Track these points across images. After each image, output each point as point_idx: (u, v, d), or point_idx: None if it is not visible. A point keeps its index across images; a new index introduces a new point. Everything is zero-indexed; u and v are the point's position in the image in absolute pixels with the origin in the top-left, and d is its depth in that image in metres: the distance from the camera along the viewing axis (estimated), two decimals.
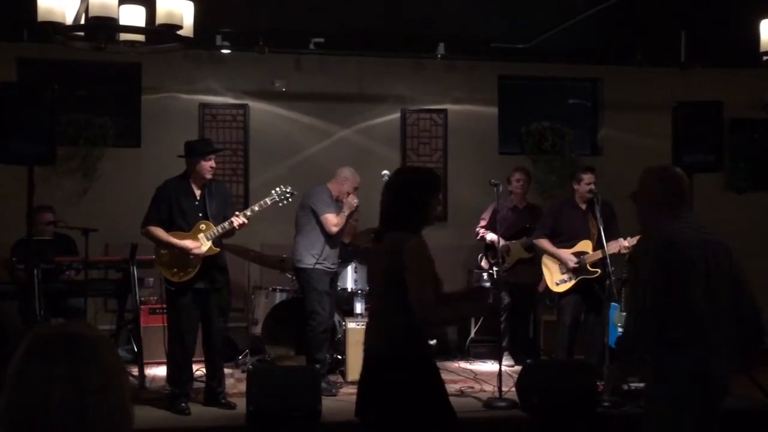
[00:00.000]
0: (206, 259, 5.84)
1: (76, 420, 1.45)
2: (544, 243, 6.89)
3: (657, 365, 3.38)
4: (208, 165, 5.88)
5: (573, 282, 6.73)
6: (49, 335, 1.51)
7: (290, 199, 6.20)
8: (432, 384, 3.51)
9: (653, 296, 3.27)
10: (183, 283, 5.84)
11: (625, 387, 6.24)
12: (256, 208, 6.07)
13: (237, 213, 5.90)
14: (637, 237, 6.46)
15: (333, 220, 6.59)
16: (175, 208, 5.88)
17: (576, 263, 6.68)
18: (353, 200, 6.63)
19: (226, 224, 5.84)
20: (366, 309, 7.11)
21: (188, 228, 5.87)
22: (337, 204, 6.73)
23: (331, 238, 6.61)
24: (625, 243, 6.51)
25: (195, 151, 5.95)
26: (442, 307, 3.51)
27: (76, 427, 1.45)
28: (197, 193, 5.95)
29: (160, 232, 5.85)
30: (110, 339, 1.70)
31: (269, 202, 6.09)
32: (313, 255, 6.60)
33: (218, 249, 5.91)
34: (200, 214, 5.91)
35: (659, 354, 3.34)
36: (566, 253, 6.74)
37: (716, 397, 3.38)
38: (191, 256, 5.80)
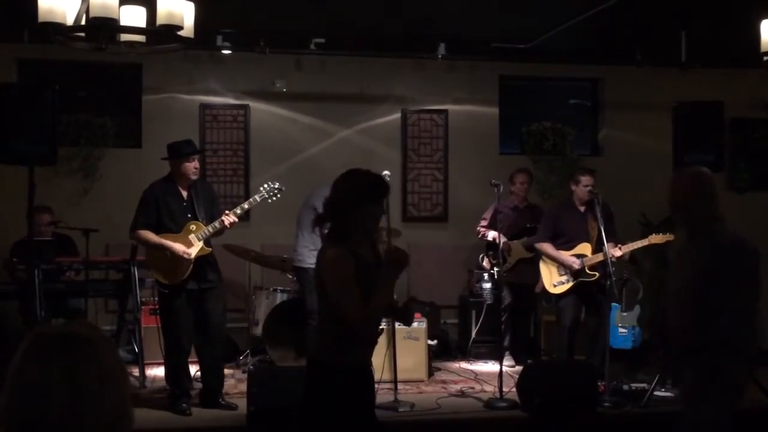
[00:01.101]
0: (197, 259, 5.82)
1: (74, 421, 1.44)
2: (546, 247, 6.86)
3: (715, 366, 3.46)
4: (191, 166, 5.87)
5: (571, 284, 6.72)
6: (49, 335, 1.51)
7: (279, 195, 6.18)
8: (359, 395, 3.47)
9: (732, 300, 3.40)
10: (176, 285, 5.82)
11: (626, 387, 6.25)
12: (246, 206, 6.07)
13: (227, 212, 5.88)
14: (637, 242, 6.53)
15: None
16: (163, 210, 5.86)
17: (580, 266, 6.65)
18: None
19: (216, 224, 5.83)
20: None
21: (177, 229, 5.85)
22: None
23: None
24: (617, 253, 6.49)
25: (177, 152, 5.91)
26: (369, 305, 3.34)
27: (75, 428, 1.44)
28: (184, 194, 5.93)
29: (150, 236, 5.82)
30: (111, 340, 1.69)
31: (258, 199, 6.09)
32: (314, 255, 6.59)
33: (210, 249, 5.91)
34: (189, 215, 5.89)
35: (718, 356, 3.44)
36: (569, 257, 6.70)
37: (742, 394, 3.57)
38: (185, 261, 5.78)
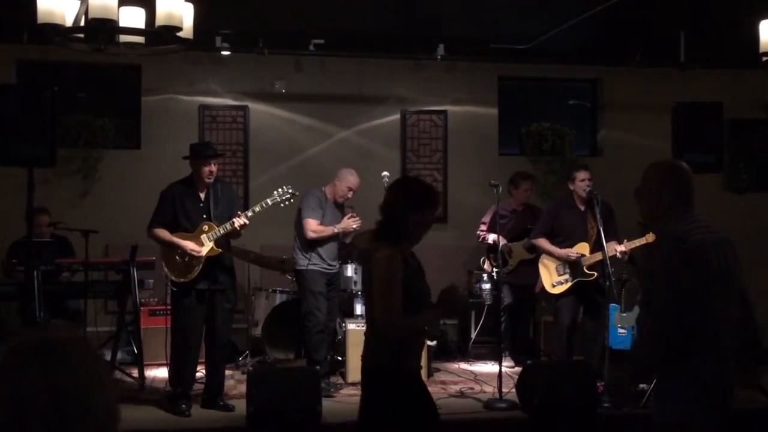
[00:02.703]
0: (209, 259, 5.86)
1: (58, 426, 1.42)
2: (542, 242, 6.86)
3: (666, 375, 3.30)
4: (207, 170, 5.90)
5: (570, 284, 6.71)
6: (22, 345, 1.48)
7: (292, 200, 6.23)
8: (407, 398, 3.49)
9: (668, 304, 3.14)
10: (186, 284, 5.86)
11: None
12: (258, 209, 6.09)
13: (239, 213, 5.92)
14: (636, 240, 6.52)
15: (311, 226, 6.59)
16: (179, 210, 5.93)
17: (577, 255, 6.63)
18: (352, 224, 6.59)
19: (227, 225, 5.87)
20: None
21: (192, 229, 5.92)
22: (332, 206, 6.72)
23: (318, 241, 6.61)
24: (621, 248, 6.49)
25: (195, 154, 5.99)
26: (406, 318, 3.40)
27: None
28: (201, 195, 6.00)
29: (163, 233, 5.90)
30: (89, 340, 1.66)
31: (270, 203, 6.11)
32: (304, 256, 6.62)
33: (220, 250, 5.93)
34: (204, 216, 5.95)
35: (668, 363, 3.23)
36: (566, 249, 6.70)
37: (725, 406, 3.28)
38: (194, 259, 5.82)
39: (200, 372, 6.18)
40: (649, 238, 6.50)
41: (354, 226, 6.57)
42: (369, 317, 3.62)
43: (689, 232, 3.23)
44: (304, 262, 6.62)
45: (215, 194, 6.01)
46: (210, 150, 6.11)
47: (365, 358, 3.57)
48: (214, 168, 5.95)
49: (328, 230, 6.60)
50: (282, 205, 6.19)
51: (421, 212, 3.51)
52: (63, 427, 1.42)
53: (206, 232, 5.89)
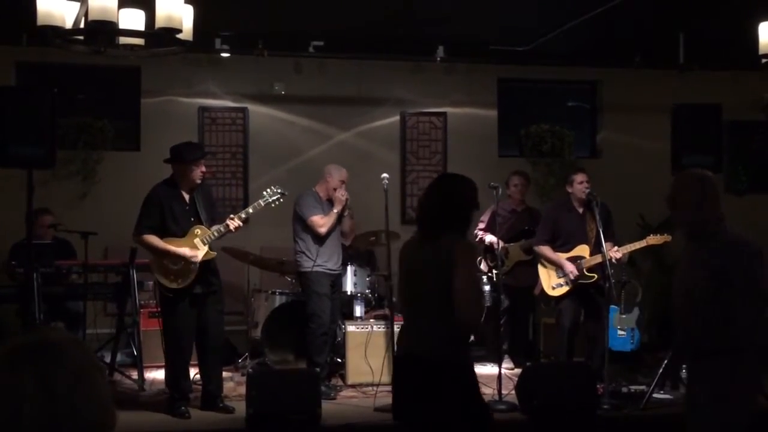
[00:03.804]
0: (202, 263, 5.81)
1: (50, 426, 1.43)
2: (545, 250, 6.82)
3: (716, 368, 3.46)
4: (199, 171, 5.84)
5: (570, 286, 6.70)
6: (14, 347, 1.49)
7: (282, 200, 6.19)
8: (473, 388, 3.69)
9: (744, 302, 3.41)
10: (181, 290, 5.81)
11: (625, 389, 6.24)
12: (251, 210, 6.08)
13: (232, 216, 5.88)
14: (636, 243, 6.53)
15: (318, 222, 6.60)
16: (167, 214, 5.81)
17: (577, 275, 6.60)
18: (340, 195, 6.59)
19: (221, 228, 5.81)
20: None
21: (182, 233, 5.82)
22: (328, 204, 6.73)
23: (323, 239, 6.61)
24: (617, 255, 6.47)
25: (185, 156, 5.86)
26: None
27: (53, 430, 1.43)
28: (186, 197, 5.90)
29: (155, 240, 5.78)
30: (81, 340, 1.68)
31: (263, 204, 6.09)
32: (309, 258, 6.61)
33: (215, 253, 5.90)
34: (192, 219, 5.87)
35: (733, 359, 3.44)
36: (569, 264, 6.64)
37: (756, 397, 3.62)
38: (192, 265, 5.76)
39: (198, 375, 6.18)
40: (650, 240, 6.51)
41: (344, 197, 6.58)
42: (428, 308, 3.60)
43: (741, 238, 3.58)
44: (308, 263, 6.60)
45: (198, 196, 5.93)
46: (199, 152, 6.03)
47: (425, 349, 3.58)
48: (204, 168, 5.91)
49: (332, 216, 6.60)
50: (273, 205, 6.15)
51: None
52: (56, 427, 1.42)
53: (199, 236, 5.81)
